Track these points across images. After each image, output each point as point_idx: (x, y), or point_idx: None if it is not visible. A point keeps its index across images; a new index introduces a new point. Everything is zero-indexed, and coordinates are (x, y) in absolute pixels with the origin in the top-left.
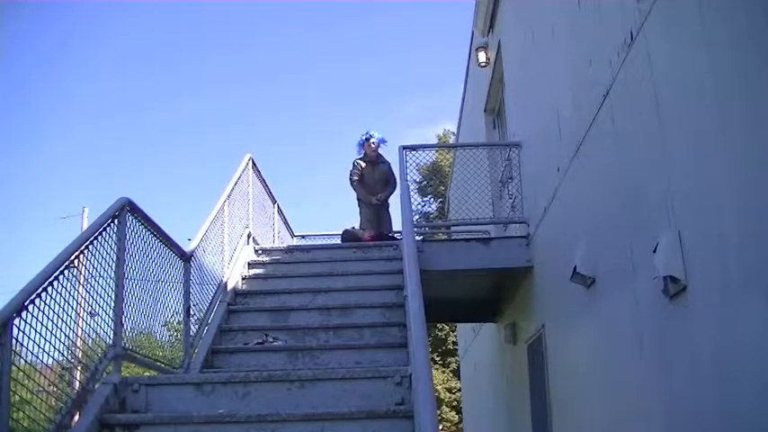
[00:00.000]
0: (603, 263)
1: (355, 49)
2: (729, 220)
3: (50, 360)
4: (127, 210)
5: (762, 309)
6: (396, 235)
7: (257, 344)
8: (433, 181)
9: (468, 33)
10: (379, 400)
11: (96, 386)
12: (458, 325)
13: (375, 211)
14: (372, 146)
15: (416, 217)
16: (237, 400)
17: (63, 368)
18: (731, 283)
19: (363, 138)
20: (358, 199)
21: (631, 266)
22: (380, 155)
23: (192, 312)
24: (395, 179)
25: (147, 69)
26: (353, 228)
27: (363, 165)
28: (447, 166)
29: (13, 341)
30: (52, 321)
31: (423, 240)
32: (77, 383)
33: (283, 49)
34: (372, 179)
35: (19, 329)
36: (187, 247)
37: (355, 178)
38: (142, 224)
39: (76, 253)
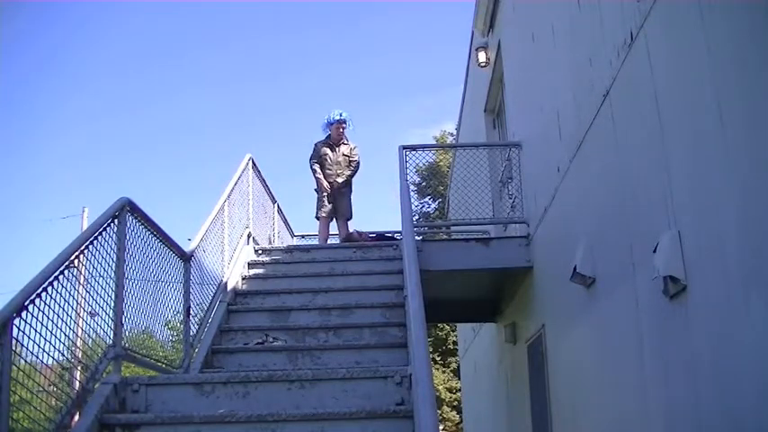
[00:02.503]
0: (603, 263)
1: (356, 48)
2: (729, 220)
3: (50, 360)
4: (127, 210)
5: (762, 309)
6: (396, 235)
7: (257, 344)
8: (432, 182)
9: (468, 33)
10: (379, 400)
11: (96, 386)
12: (458, 325)
13: (331, 198)
14: (341, 129)
15: (416, 217)
16: (237, 401)
17: (63, 368)
18: (731, 283)
19: (333, 119)
20: (316, 187)
21: (631, 266)
22: (345, 137)
23: (192, 312)
24: (358, 162)
25: (146, 69)
26: (356, 231)
27: (324, 148)
28: (445, 167)
29: (13, 341)
30: (52, 321)
31: (422, 240)
32: (77, 383)
33: (283, 49)
34: (332, 161)
35: (19, 329)
36: (187, 247)
37: (315, 161)
38: (142, 224)
39: (76, 253)
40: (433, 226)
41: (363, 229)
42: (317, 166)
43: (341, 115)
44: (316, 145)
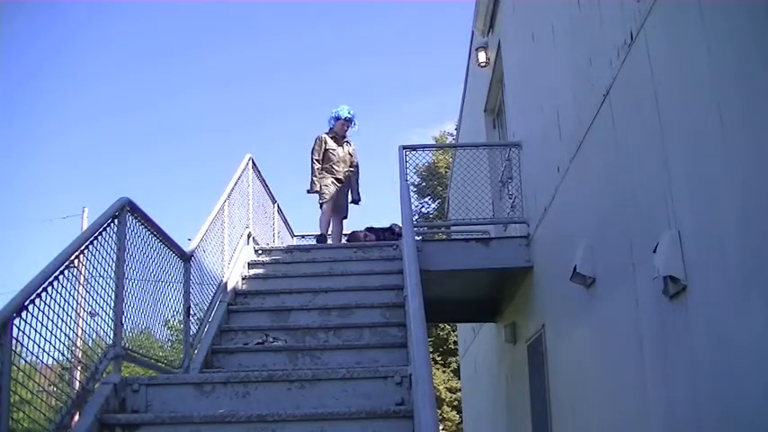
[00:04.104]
0: (603, 263)
1: (356, 49)
2: (729, 221)
3: (50, 360)
4: (127, 210)
5: (762, 309)
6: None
7: (257, 344)
8: (431, 182)
9: (468, 33)
10: (379, 400)
11: (96, 386)
12: (458, 325)
13: (335, 185)
14: (346, 127)
15: (415, 217)
16: (237, 400)
17: (63, 368)
18: (731, 283)
19: (341, 116)
20: (309, 189)
21: (631, 266)
22: (348, 135)
23: (192, 312)
24: (358, 164)
25: (147, 69)
26: (371, 228)
27: (330, 141)
28: (443, 168)
29: (13, 341)
30: (52, 321)
31: (422, 240)
32: (77, 383)
33: (283, 49)
34: (336, 157)
35: (19, 329)
36: (187, 247)
37: (316, 157)
38: (142, 224)
39: (76, 253)
40: (433, 226)
41: (361, 227)
42: (318, 165)
43: (350, 113)
44: (319, 137)
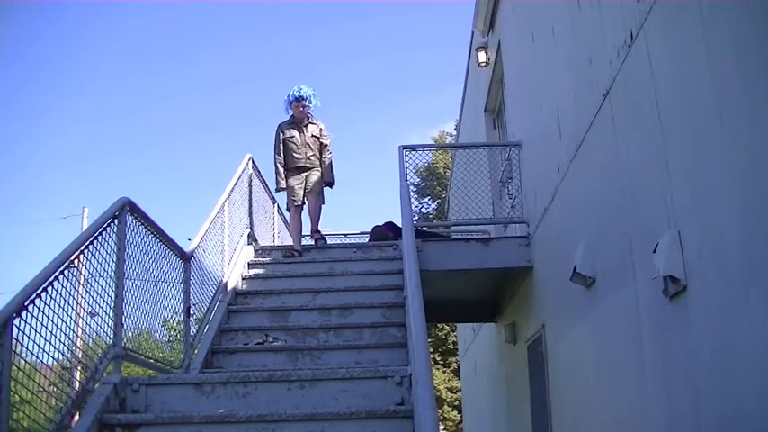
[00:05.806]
0: (603, 263)
1: (357, 48)
2: (729, 220)
3: (50, 360)
4: (127, 210)
5: (762, 308)
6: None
7: (257, 344)
8: (430, 182)
9: (468, 33)
10: (379, 400)
11: (96, 386)
12: (458, 325)
13: (299, 178)
14: (302, 108)
15: (416, 218)
16: (237, 400)
17: (63, 368)
18: (731, 283)
19: (293, 96)
20: (276, 187)
21: (631, 266)
22: (310, 115)
23: (191, 312)
24: (327, 145)
25: (147, 69)
26: (391, 223)
27: (289, 129)
28: (443, 168)
29: (13, 341)
30: (52, 321)
31: (422, 240)
32: (77, 383)
33: (284, 49)
34: (299, 143)
35: (19, 329)
36: (187, 247)
37: (277, 152)
38: (142, 224)
39: (76, 253)
40: (433, 226)
41: (362, 227)
42: (280, 163)
43: (300, 91)
44: (278, 128)
